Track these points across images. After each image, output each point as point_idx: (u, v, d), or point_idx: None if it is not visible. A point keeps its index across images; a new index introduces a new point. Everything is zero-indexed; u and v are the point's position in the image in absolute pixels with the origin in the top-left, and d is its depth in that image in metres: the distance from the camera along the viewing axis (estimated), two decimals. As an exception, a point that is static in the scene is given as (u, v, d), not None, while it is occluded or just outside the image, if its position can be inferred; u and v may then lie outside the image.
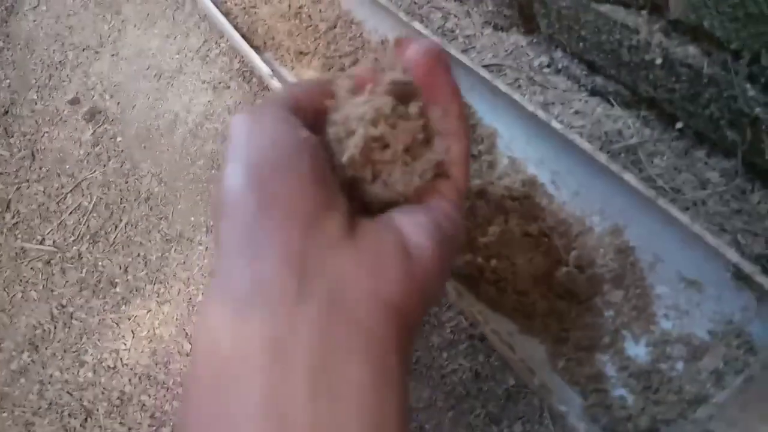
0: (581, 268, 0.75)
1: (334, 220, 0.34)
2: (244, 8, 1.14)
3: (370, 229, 0.36)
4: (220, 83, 1.55)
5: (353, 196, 0.42)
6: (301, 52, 1.07)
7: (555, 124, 0.72)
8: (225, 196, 0.34)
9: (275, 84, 0.96)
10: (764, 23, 0.63)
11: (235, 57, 1.57)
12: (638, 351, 0.70)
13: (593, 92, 0.94)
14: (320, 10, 1.08)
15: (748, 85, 0.70)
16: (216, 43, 1.64)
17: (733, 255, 0.61)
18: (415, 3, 1.14)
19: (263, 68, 0.98)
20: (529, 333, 0.74)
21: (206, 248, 1.31)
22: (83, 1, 1.86)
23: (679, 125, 0.86)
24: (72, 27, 1.81)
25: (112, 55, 1.71)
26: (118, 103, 1.63)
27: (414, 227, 0.37)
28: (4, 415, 1.29)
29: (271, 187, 0.33)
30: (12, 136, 1.69)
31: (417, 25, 0.86)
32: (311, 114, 0.41)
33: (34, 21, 1.89)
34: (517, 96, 0.75)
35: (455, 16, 1.11)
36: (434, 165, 0.42)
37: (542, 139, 0.77)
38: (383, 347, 0.32)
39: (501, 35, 1.05)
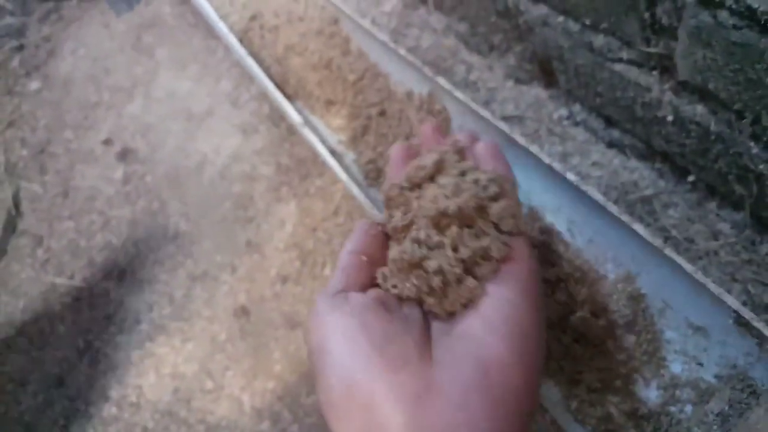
0: (595, 314, 0.81)
1: (412, 377, 0.41)
2: (277, 59, 1.25)
3: (446, 357, 0.42)
4: (249, 127, 1.66)
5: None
6: (330, 102, 1.18)
7: (570, 176, 0.80)
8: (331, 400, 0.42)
9: (306, 132, 1.06)
10: (763, 87, 0.71)
11: (265, 102, 1.69)
12: (649, 394, 0.76)
13: (610, 144, 1.02)
14: (349, 62, 1.18)
15: (752, 143, 0.78)
16: (246, 88, 1.76)
17: (733, 302, 0.67)
18: (440, 56, 1.24)
19: (295, 117, 1.08)
20: (544, 374, 0.81)
21: (230, 287, 1.40)
22: (120, 45, 2.02)
23: (691, 178, 0.93)
24: (108, 69, 1.96)
25: (145, 97, 1.84)
26: (149, 143, 1.75)
27: (484, 334, 0.43)
28: (30, 446, 1.37)
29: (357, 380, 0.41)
30: (47, 174, 1.82)
31: (441, 80, 0.96)
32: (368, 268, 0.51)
33: (73, 63, 2.05)
34: (533, 148, 0.84)
35: (478, 69, 1.21)
36: (490, 271, 0.48)
37: (559, 189, 0.85)
38: None
39: (522, 88, 1.14)
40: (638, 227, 0.75)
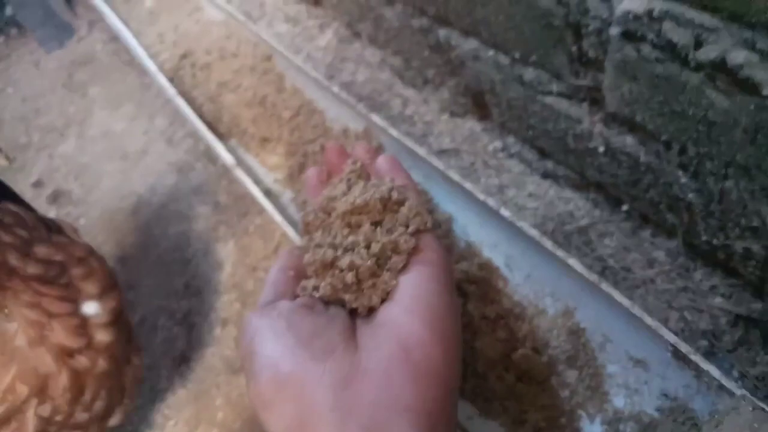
0: (537, 350, 0.80)
1: (338, 363, 0.42)
2: (210, 97, 1.22)
3: (370, 343, 0.44)
4: (185, 165, 1.61)
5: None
6: (265, 139, 1.15)
7: (503, 212, 0.79)
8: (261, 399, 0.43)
9: (239, 174, 1.02)
10: (686, 119, 0.71)
11: (200, 139, 1.64)
12: (593, 429, 0.74)
13: (545, 175, 1.02)
14: (284, 99, 1.16)
15: (680, 173, 0.78)
16: (181, 125, 1.70)
17: (670, 336, 0.67)
18: (376, 90, 1.23)
19: (227, 158, 1.05)
20: (488, 416, 0.78)
21: (168, 332, 1.33)
22: (51, 84, 1.94)
23: (625, 207, 0.93)
24: (38, 109, 1.88)
25: (78, 136, 1.77)
26: (83, 184, 1.68)
27: (404, 319, 0.44)
28: None
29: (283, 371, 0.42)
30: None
31: (375, 117, 0.94)
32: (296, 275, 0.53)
33: (1, 103, 1.96)
34: (467, 185, 0.82)
35: (414, 103, 1.20)
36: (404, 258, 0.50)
37: (495, 224, 0.84)
38: None
39: (457, 121, 1.14)
40: (573, 262, 0.74)
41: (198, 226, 1.47)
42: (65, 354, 0.74)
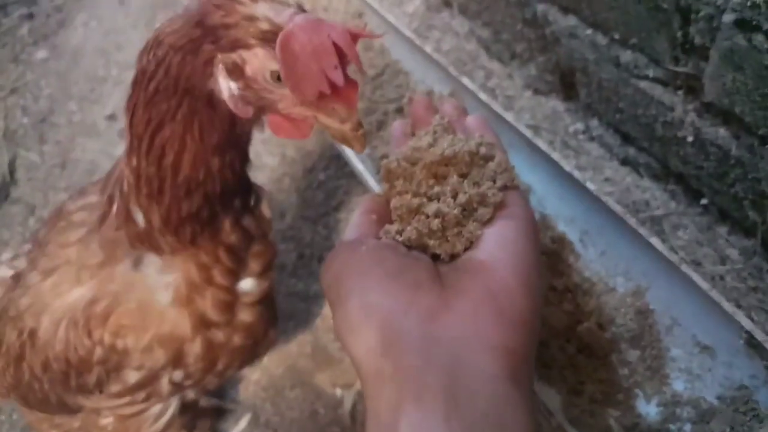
0: (601, 326, 0.81)
1: (425, 298, 0.44)
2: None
3: (455, 285, 0.45)
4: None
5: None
6: (347, 94, 1.17)
7: (589, 185, 0.80)
8: (349, 320, 0.45)
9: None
10: (790, 114, 0.71)
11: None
12: (649, 410, 0.76)
13: (624, 162, 1.03)
14: (369, 57, 1.18)
15: (773, 170, 0.78)
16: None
17: (747, 323, 0.67)
18: (460, 60, 1.24)
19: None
20: (546, 382, 0.80)
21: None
22: (134, 22, 2.01)
23: (704, 201, 0.94)
24: (119, 44, 1.95)
25: (155, 76, 1.83)
26: (155, 122, 1.73)
27: (491, 266, 0.46)
28: None
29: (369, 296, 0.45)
30: (46, 144, 1.80)
31: (465, 81, 0.96)
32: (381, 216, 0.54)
33: (84, 35, 2.03)
34: (555, 155, 0.84)
35: (497, 76, 1.21)
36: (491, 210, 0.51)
37: (575, 199, 0.85)
38: (500, 382, 0.41)
39: (540, 99, 1.15)
40: (655, 241, 0.75)
41: (263, 176, 1.51)
42: (203, 324, 0.74)
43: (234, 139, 0.64)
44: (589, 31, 0.97)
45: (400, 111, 1.09)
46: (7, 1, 2.30)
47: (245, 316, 0.79)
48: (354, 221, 0.55)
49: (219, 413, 1.21)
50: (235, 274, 0.76)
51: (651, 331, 0.79)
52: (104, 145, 1.73)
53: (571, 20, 0.99)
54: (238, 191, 0.71)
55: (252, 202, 0.76)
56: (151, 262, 0.72)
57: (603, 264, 0.84)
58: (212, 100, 0.60)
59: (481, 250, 0.48)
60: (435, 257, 0.51)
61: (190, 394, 0.89)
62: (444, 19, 1.32)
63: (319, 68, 0.53)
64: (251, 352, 0.85)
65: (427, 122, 0.62)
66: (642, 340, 0.79)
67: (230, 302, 0.76)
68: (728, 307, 0.69)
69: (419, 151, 0.56)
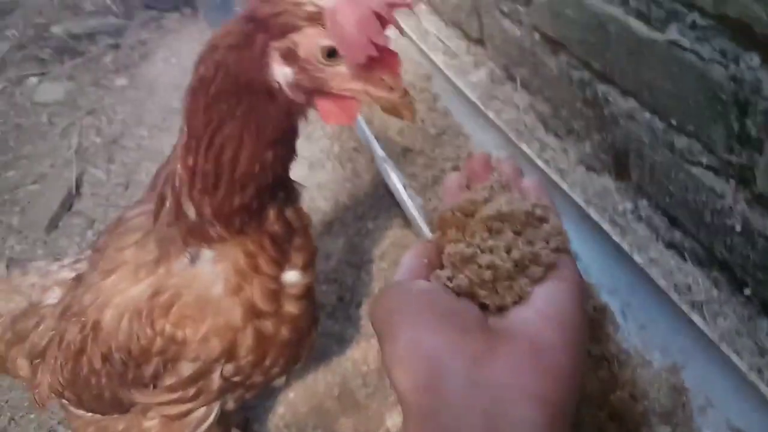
0: (634, 397, 0.83)
1: (472, 343, 0.46)
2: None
3: (501, 335, 0.47)
4: (317, 162, 1.73)
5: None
6: (407, 149, 1.24)
7: (636, 257, 0.83)
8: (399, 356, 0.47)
9: (386, 167, 1.11)
10: (840, 213, 0.74)
11: (336, 142, 1.76)
12: (676, 488, 0.76)
13: (670, 245, 1.05)
14: (433, 118, 1.25)
15: (819, 266, 0.80)
16: (321, 125, 1.83)
17: (782, 408, 0.68)
18: (518, 130, 1.30)
19: (379, 151, 1.14)
20: (573, 445, 0.81)
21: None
22: (211, 63, 2.14)
23: (747, 291, 0.95)
24: (195, 82, 2.08)
25: (224, 114, 1.94)
26: (217, 156, 1.82)
27: (539, 323, 0.47)
28: None
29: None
30: (113, 163, 1.91)
31: (524, 147, 1.01)
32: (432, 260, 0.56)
33: (163, 69, 2.18)
34: (605, 225, 0.87)
35: (552, 150, 1.26)
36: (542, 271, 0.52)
37: (619, 271, 0.88)
38: (537, 429, 0.42)
39: (592, 176, 1.19)
40: (696, 319, 0.78)
41: (315, 219, 1.56)
42: (253, 313, 0.79)
43: (287, 133, 0.70)
44: (647, 115, 1.02)
45: (456, 169, 1.15)
46: (96, 31, 2.49)
47: (291, 308, 0.83)
48: (406, 263, 0.57)
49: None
50: (280, 264, 0.80)
51: (684, 409, 0.80)
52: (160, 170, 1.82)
53: (631, 103, 1.04)
54: (283, 184, 0.76)
55: (294, 195, 0.81)
56: (205, 256, 0.77)
57: (641, 337, 0.86)
58: (270, 92, 0.65)
59: (530, 305, 0.50)
60: (483, 307, 0.52)
61: (230, 403, 0.92)
62: (506, 91, 1.39)
63: (366, 36, 0.58)
64: (296, 350, 0.89)
65: (484, 178, 0.64)
66: (674, 418, 0.80)
67: (276, 292, 0.80)
68: (766, 390, 0.70)
69: (474, 204, 0.58)
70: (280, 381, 0.95)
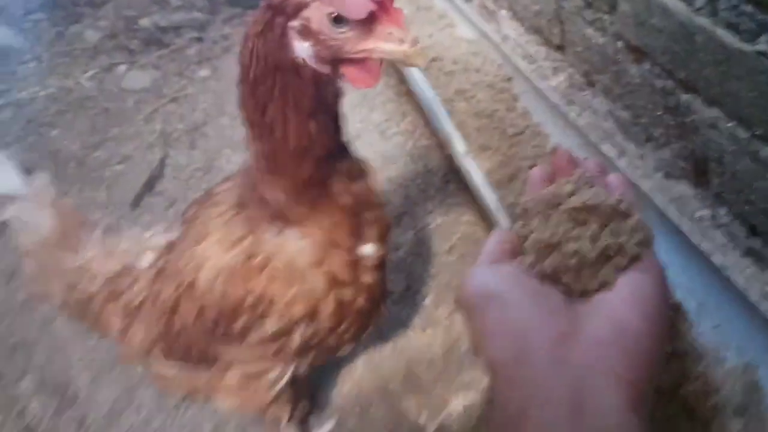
0: (706, 393, 0.85)
1: (558, 323, 0.50)
2: (446, 99, 1.39)
3: (586, 319, 0.51)
4: (389, 157, 1.79)
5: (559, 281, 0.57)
6: (484, 147, 1.29)
7: (715, 258, 0.86)
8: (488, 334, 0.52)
9: (467, 162, 1.17)
10: None
11: (410, 139, 1.83)
12: (744, 481, 0.78)
13: (748, 253, 1.07)
14: (511, 118, 1.30)
15: None
16: (396, 123, 1.90)
17: None
18: (595, 136, 1.33)
19: (460, 146, 1.20)
20: (643, 433, 0.84)
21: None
22: (290, 58, 2.24)
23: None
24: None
25: (302, 108, 2.02)
26: (294, 148, 1.91)
27: (623, 309, 0.51)
28: None
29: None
30: (195, 149, 2.01)
31: (605, 148, 1.05)
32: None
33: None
34: (685, 227, 0.90)
35: (630, 156, 1.29)
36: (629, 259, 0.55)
37: (696, 270, 0.91)
38: (622, 409, 0.45)
39: (670, 182, 1.22)
40: (775, 318, 0.80)
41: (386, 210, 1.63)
42: (335, 283, 0.86)
43: (322, 102, 0.76)
44: (730, 124, 1.04)
45: (532, 168, 1.19)
46: (181, 25, 2.62)
47: (367, 278, 0.90)
48: (489, 248, 0.60)
49: (312, 404, 1.30)
50: (355, 237, 0.87)
51: (758, 406, 0.82)
52: (248, 160, 1.91)
53: (714, 112, 1.07)
54: (339, 155, 0.83)
55: (358, 170, 0.88)
56: (289, 233, 0.85)
57: (716, 337, 0.88)
58: (296, 68, 0.73)
59: (614, 292, 0.53)
60: (566, 292, 0.55)
61: (302, 368, 0.99)
62: (585, 97, 1.43)
63: None
64: (367, 319, 0.96)
65: (568, 173, 0.66)
66: (747, 412, 0.82)
67: (355, 263, 0.88)
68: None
69: (559, 197, 0.60)
70: (346, 350, 1.03)
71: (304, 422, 1.26)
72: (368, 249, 0.89)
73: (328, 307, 0.87)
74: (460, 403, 1.30)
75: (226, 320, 0.89)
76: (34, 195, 1.02)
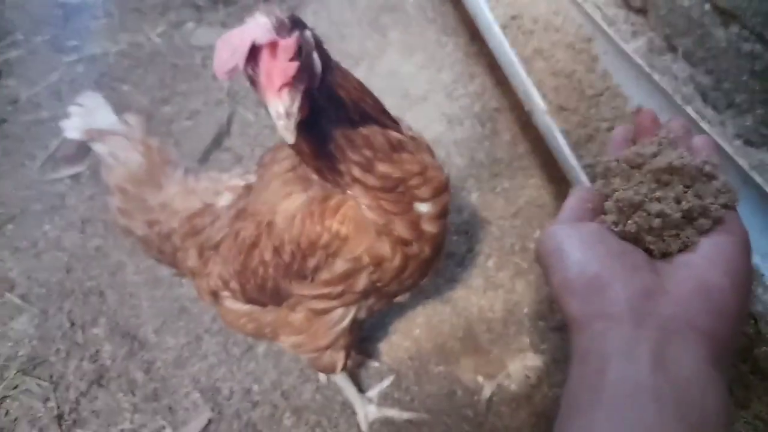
0: (780, 355, 0.87)
1: (642, 279, 0.52)
2: (524, 58, 1.40)
3: (670, 276, 0.53)
4: (456, 119, 1.82)
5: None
6: (561, 107, 1.30)
7: (797, 220, 0.87)
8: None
9: (547, 119, 1.19)
10: None
11: (478, 101, 1.85)
12: (816, 441, 0.80)
13: (830, 223, 1.07)
14: (591, 78, 1.31)
15: None
16: (464, 84, 1.92)
17: None
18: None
19: (540, 104, 1.21)
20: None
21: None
22: (358, 18, 2.27)
23: None
24: (343, 35, 2.21)
25: (369, 68, 2.06)
26: (360, 108, 1.95)
27: (707, 267, 0.52)
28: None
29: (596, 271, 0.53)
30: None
31: (689, 110, 1.05)
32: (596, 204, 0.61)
33: (312, 22, 2.32)
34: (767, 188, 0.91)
35: (709, 122, 1.29)
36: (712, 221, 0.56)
37: (776, 235, 0.92)
38: (703, 361, 0.47)
39: (749, 150, 1.21)
40: None
41: (450, 172, 1.66)
42: (402, 243, 0.92)
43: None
44: (822, 88, 1.03)
45: (610, 130, 1.20)
46: (250, -16, 2.69)
47: (430, 227, 0.94)
48: (570, 205, 0.62)
49: (368, 355, 1.38)
50: (404, 202, 0.90)
51: (833, 370, 0.83)
52: (312, 118, 1.97)
53: (805, 76, 1.06)
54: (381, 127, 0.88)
55: (398, 142, 0.90)
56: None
57: (793, 300, 0.89)
58: None
59: (698, 254, 0.54)
60: (647, 252, 0.57)
61: (362, 312, 1.04)
62: (665, 61, 1.42)
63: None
64: (429, 267, 1.01)
65: (651, 133, 0.67)
66: (822, 377, 0.83)
67: (415, 220, 0.92)
68: None
69: (642, 157, 0.62)
70: (404, 297, 1.09)
71: (354, 375, 1.33)
72: (423, 207, 0.92)
73: (395, 262, 0.93)
74: (519, 365, 1.33)
75: (301, 256, 0.95)
76: (128, 131, 1.09)
